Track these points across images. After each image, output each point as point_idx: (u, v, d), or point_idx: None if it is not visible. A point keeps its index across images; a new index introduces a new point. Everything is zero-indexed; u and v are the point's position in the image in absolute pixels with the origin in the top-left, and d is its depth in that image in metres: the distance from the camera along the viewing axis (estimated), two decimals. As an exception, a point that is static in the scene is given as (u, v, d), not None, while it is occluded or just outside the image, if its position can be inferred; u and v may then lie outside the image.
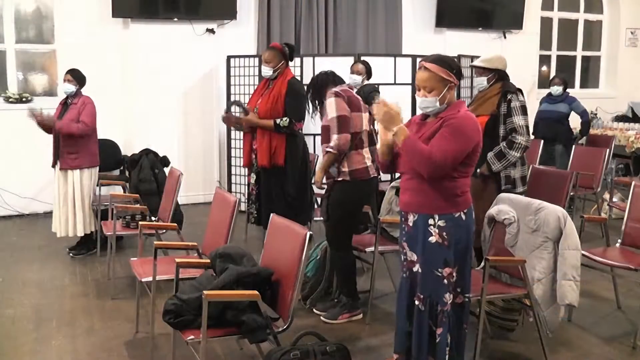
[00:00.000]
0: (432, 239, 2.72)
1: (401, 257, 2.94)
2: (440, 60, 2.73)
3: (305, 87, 3.92)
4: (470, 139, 2.65)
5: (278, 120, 4.36)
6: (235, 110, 4.84)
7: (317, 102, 3.90)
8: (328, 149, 3.67)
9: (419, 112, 2.89)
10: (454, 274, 2.74)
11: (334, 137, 3.64)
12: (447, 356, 2.77)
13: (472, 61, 7.15)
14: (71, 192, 5.07)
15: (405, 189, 2.82)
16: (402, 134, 2.66)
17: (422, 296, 2.79)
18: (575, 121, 7.17)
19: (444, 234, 2.71)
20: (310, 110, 4.01)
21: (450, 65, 2.73)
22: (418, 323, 2.80)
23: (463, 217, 2.73)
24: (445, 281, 2.74)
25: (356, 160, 3.70)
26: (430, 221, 2.72)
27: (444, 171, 2.64)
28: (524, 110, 4.03)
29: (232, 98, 6.73)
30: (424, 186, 2.70)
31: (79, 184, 5.06)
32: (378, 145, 2.99)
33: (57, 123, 4.95)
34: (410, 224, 2.80)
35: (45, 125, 5.00)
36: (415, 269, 2.81)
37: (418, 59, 6.43)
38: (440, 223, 2.70)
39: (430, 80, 2.69)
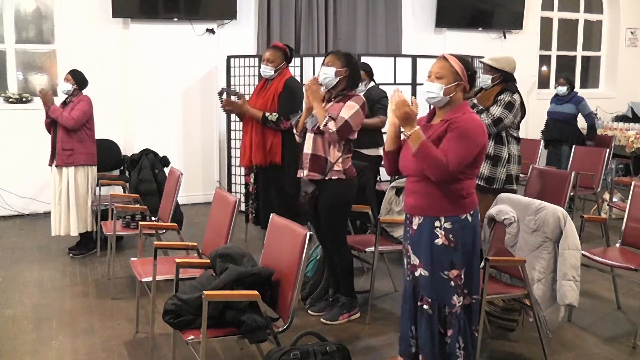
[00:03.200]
0: (439, 241, 2.71)
1: (405, 260, 2.92)
2: (460, 57, 2.78)
3: (345, 56, 3.73)
4: (477, 142, 2.66)
5: (267, 114, 4.36)
6: (224, 97, 4.75)
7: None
8: (329, 128, 3.59)
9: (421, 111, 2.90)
10: (462, 276, 2.72)
11: (333, 124, 3.57)
12: (460, 359, 2.74)
13: (472, 61, 7.18)
14: (65, 189, 5.07)
15: (410, 192, 2.80)
16: (417, 139, 2.62)
17: (429, 300, 2.76)
18: (582, 121, 7.11)
19: (451, 236, 2.69)
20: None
21: (468, 64, 2.76)
22: (428, 327, 2.77)
23: (469, 218, 2.72)
24: (452, 283, 2.72)
25: (347, 160, 3.70)
26: (437, 223, 2.71)
27: (455, 176, 2.64)
28: (508, 106, 4.07)
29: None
30: (430, 189, 2.69)
31: (73, 182, 5.06)
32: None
33: (52, 106, 5.00)
34: (415, 227, 2.78)
35: (47, 101, 5.01)
36: (417, 273, 2.79)
37: (418, 59, 6.52)
38: (447, 225, 2.69)
39: (443, 69, 2.73)
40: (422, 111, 2.84)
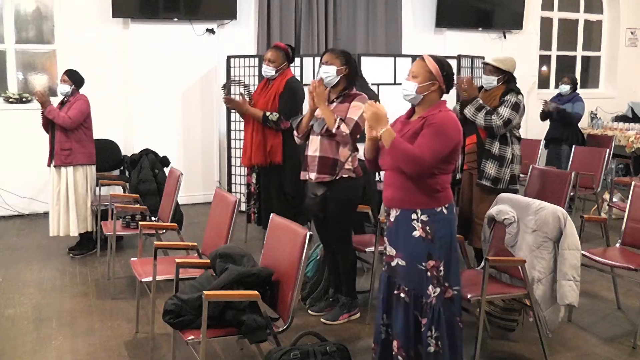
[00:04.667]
0: (416, 233, 2.78)
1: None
2: (437, 58, 2.87)
3: (343, 53, 3.72)
4: (451, 139, 2.75)
5: (268, 113, 4.36)
6: (236, 92, 4.76)
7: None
8: (342, 130, 3.59)
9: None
10: (441, 268, 2.78)
11: (345, 126, 3.58)
12: (431, 347, 2.77)
13: (472, 61, 7.18)
14: (64, 189, 5.07)
15: (387, 185, 2.89)
16: (388, 136, 2.74)
17: (406, 289, 2.83)
18: (583, 122, 7.08)
19: (428, 228, 2.77)
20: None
21: (443, 65, 2.85)
22: (404, 315, 2.84)
23: (445, 211, 2.80)
24: (429, 274, 2.78)
25: (355, 159, 3.71)
26: (414, 216, 2.78)
27: (429, 170, 2.72)
28: (515, 107, 4.11)
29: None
30: (405, 182, 2.77)
31: (72, 182, 5.06)
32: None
33: (49, 107, 4.98)
34: (392, 219, 2.86)
35: (43, 102, 4.97)
36: (393, 264, 2.86)
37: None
38: (423, 218, 2.77)
39: (419, 68, 2.84)
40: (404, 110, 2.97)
